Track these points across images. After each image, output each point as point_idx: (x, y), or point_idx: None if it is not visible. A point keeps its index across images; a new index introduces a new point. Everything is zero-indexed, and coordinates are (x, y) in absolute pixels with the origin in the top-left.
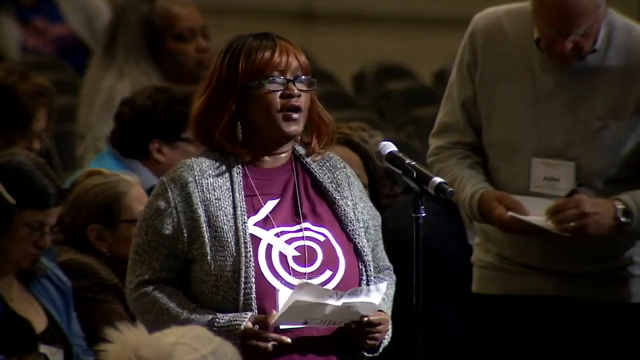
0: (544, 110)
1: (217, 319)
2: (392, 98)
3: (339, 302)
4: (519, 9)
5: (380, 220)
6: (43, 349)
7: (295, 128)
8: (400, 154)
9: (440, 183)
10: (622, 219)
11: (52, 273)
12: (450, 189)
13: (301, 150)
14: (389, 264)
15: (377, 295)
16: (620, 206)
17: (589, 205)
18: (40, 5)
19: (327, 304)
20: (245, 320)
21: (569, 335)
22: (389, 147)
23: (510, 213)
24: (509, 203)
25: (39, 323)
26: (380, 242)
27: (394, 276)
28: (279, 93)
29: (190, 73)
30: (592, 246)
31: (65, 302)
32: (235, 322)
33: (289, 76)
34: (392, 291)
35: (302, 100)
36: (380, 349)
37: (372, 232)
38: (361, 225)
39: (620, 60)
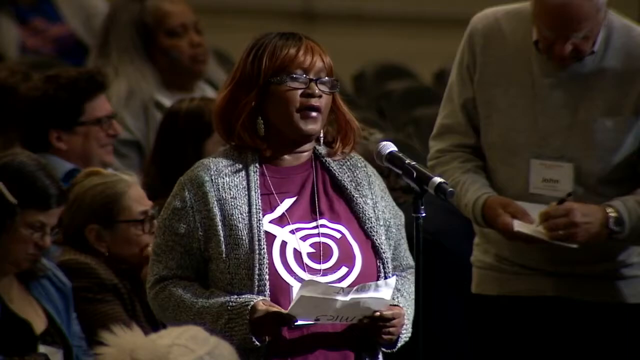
0: (542, 111)
1: (230, 302)
2: (392, 98)
3: (347, 298)
4: (518, 10)
5: (403, 219)
6: (43, 349)
7: (312, 127)
8: (400, 154)
9: (440, 183)
10: (614, 228)
11: (52, 274)
12: (450, 189)
13: (322, 150)
14: (412, 263)
15: (387, 291)
16: (612, 214)
17: (580, 215)
18: (39, 5)
19: (336, 300)
20: (258, 298)
21: (568, 336)
22: (389, 147)
23: (516, 228)
24: (514, 210)
25: (39, 324)
26: (404, 240)
27: None
28: (299, 91)
29: (186, 68)
30: (592, 247)
31: (65, 303)
32: (248, 298)
33: (311, 76)
34: (414, 289)
35: (323, 102)
36: (399, 344)
37: (394, 230)
38: (381, 224)
39: (619, 62)
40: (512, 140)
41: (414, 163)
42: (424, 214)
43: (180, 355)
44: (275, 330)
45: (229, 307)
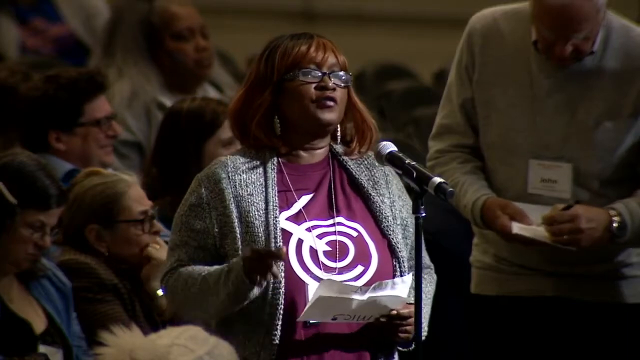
0: (541, 111)
1: (231, 261)
2: (392, 98)
3: (364, 297)
4: (516, 10)
5: (421, 220)
6: (42, 349)
7: (330, 116)
8: (400, 154)
9: (440, 183)
10: (616, 232)
11: (52, 273)
12: (450, 189)
13: (339, 148)
14: (429, 263)
15: (404, 288)
16: (616, 218)
17: (585, 221)
18: (39, 5)
19: (352, 299)
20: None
21: (568, 336)
22: (389, 147)
23: (515, 231)
24: (512, 212)
25: (39, 324)
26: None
27: (434, 275)
28: (313, 85)
29: (190, 72)
30: (591, 248)
31: (65, 303)
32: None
33: (324, 70)
34: (431, 289)
35: (337, 95)
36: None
37: (411, 230)
38: (398, 223)
39: (618, 62)
40: (511, 140)
41: (414, 163)
42: (424, 214)
43: (179, 355)
44: (264, 268)
45: (229, 263)
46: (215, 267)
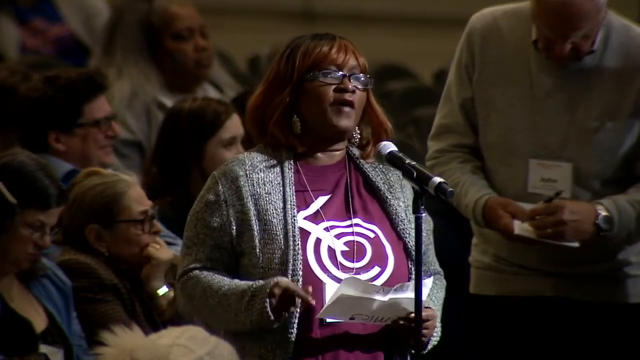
0: (541, 111)
1: (254, 284)
2: (392, 98)
3: (386, 298)
4: (516, 10)
5: (432, 225)
6: (43, 349)
7: (346, 122)
8: (400, 154)
9: (440, 183)
10: (603, 226)
11: (52, 273)
12: (450, 189)
13: (356, 151)
14: (439, 269)
15: (424, 291)
16: (602, 212)
17: (568, 213)
18: (39, 5)
19: (373, 299)
20: (278, 278)
21: (568, 336)
22: (389, 147)
23: (517, 231)
24: (514, 210)
25: (39, 323)
26: (432, 246)
27: (444, 281)
28: (332, 87)
29: (190, 72)
30: (591, 247)
31: (66, 302)
32: (269, 279)
33: (345, 72)
34: (442, 294)
35: (356, 98)
36: (429, 347)
37: (424, 235)
38: (412, 226)
39: (618, 61)
40: (511, 140)
41: (414, 163)
42: (424, 214)
43: (180, 355)
44: (290, 307)
45: (253, 287)
46: (236, 282)
